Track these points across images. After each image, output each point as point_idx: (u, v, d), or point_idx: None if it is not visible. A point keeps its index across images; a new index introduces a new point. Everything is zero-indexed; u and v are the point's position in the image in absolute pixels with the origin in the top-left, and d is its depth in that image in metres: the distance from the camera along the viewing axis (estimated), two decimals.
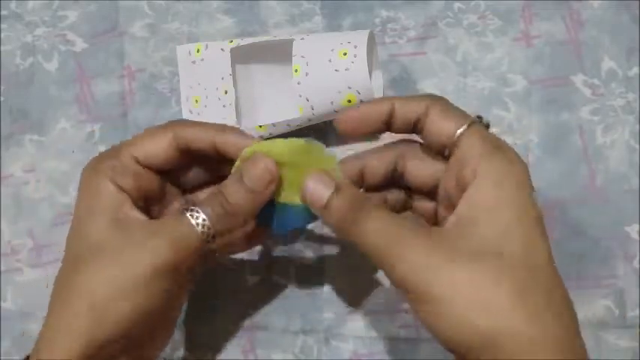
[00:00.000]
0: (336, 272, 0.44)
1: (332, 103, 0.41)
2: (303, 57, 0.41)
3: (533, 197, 0.31)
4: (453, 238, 0.30)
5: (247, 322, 0.44)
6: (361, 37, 0.41)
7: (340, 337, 0.44)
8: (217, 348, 0.44)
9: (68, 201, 0.46)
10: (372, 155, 0.37)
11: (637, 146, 0.45)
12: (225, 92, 0.44)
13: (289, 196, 0.35)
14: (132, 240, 0.33)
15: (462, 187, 0.31)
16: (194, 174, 0.38)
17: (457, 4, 0.47)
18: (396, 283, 0.31)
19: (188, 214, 0.33)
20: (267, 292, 0.45)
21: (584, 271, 0.44)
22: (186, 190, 0.39)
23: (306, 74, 0.41)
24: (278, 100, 0.46)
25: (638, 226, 0.44)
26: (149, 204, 0.36)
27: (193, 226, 0.33)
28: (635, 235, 0.44)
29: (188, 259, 0.33)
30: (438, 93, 0.46)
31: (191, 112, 0.46)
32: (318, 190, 0.33)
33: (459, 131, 0.32)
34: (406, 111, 0.34)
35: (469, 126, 0.32)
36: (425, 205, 0.37)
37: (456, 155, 0.32)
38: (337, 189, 0.33)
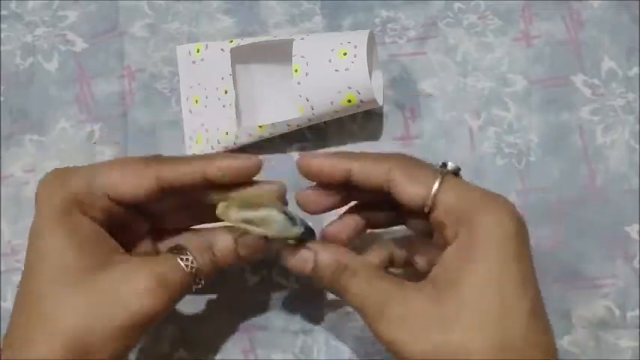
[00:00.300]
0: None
1: (332, 103, 0.41)
2: (303, 57, 0.41)
3: (521, 250, 0.31)
4: (429, 307, 0.31)
5: (247, 322, 0.44)
6: (361, 37, 0.41)
7: (340, 337, 0.44)
8: (217, 348, 0.44)
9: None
10: (360, 164, 0.34)
11: (637, 146, 0.45)
12: (225, 92, 0.44)
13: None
14: (120, 280, 0.32)
15: (444, 242, 0.32)
16: (164, 205, 0.37)
17: (457, 4, 0.47)
18: (382, 343, 0.33)
19: (178, 258, 0.34)
20: (267, 292, 0.45)
21: (584, 271, 0.44)
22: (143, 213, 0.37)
23: (306, 74, 0.41)
24: (278, 100, 0.46)
25: (638, 226, 0.44)
26: (115, 232, 0.35)
27: (184, 269, 0.34)
28: (635, 235, 0.44)
29: (174, 297, 0.34)
30: (437, 93, 0.46)
31: (191, 111, 0.46)
32: (299, 266, 0.35)
33: (432, 192, 0.31)
34: (365, 175, 0.33)
35: (441, 183, 0.32)
36: (416, 221, 0.36)
37: (434, 214, 0.32)
38: (316, 259, 0.34)
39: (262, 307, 0.44)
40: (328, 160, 0.34)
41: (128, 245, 0.36)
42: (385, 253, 0.37)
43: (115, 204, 0.34)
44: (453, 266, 0.31)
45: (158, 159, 0.35)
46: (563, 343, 0.43)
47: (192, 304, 0.45)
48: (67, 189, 0.33)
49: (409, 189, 0.32)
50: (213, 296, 0.45)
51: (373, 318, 0.32)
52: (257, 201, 0.34)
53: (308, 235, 0.35)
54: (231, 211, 0.33)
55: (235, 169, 0.34)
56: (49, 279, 0.32)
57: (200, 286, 0.35)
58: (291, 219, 0.34)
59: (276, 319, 0.44)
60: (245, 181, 0.35)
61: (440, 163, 0.34)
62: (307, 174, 0.35)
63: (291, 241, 0.35)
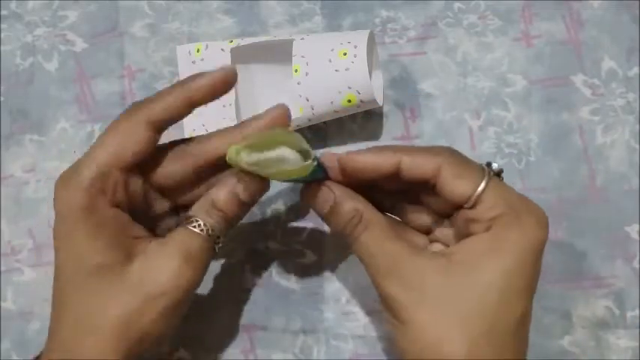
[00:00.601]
0: (336, 272, 0.44)
1: (332, 103, 0.41)
2: (303, 57, 0.41)
3: (539, 262, 0.32)
4: (438, 277, 0.32)
5: (247, 322, 0.44)
6: (361, 37, 0.41)
7: (340, 337, 0.44)
8: (217, 348, 0.44)
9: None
10: (409, 156, 0.34)
11: (637, 146, 0.45)
12: None
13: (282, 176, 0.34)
14: (150, 267, 0.33)
15: (468, 231, 0.33)
16: (170, 172, 0.37)
17: (457, 4, 0.47)
18: (381, 296, 0.33)
19: (190, 227, 0.34)
20: (267, 292, 0.45)
21: (584, 271, 0.44)
22: (164, 193, 0.37)
23: (306, 74, 0.41)
24: (278, 100, 0.46)
25: (638, 226, 0.44)
26: (139, 214, 0.36)
27: (200, 235, 0.34)
28: (635, 235, 0.44)
29: (203, 264, 0.35)
30: (437, 93, 0.46)
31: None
32: (318, 202, 0.35)
33: (478, 190, 0.32)
34: (415, 169, 0.33)
35: (488, 183, 0.32)
36: (434, 200, 0.36)
37: (474, 210, 0.33)
38: (338, 200, 0.34)
39: (262, 307, 0.44)
40: (376, 155, 0.34)
41: (153, 224, 0.37)
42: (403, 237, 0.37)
43: (130, 174, 0.34)
44: (476, 252, 0.32)
45: (139, 105, 0.34)
46: (563, 343, 0.43)
47: (192, 304, 0.45)
48: (82, 183, 0.33)
49: (457, 186, 0.32)
50: (213, 296, 0.45)
51: (379, 272, 0.33)
52: (270, 140, 0.32)
53: (320, 173, 0.34)
54: (242, 155, 0.32)
55: (213, 82, 0.34)
56: (83, 279, 0.33)
57: (221, 244, 0.36)
58: (306, 156, 0.33)
59: (276, 319, 0.44)
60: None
61: (485, 163, 0.34)
62: (351, 170, 0.34)
63: (300, 185, 0.35)
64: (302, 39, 0.42)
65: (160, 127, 0.35)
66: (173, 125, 0.47)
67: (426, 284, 0.32)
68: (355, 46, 0.40)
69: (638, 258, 0.44)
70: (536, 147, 0.45)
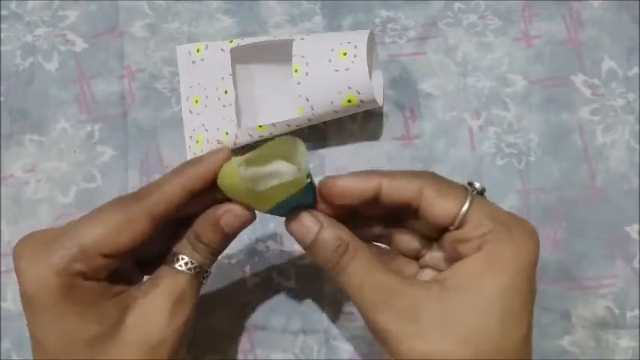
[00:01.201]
0: None
1: (332, 103, 0.41)
2: (303, 57, 0.41)
3: (533, 278, 0.31)
4: (433, 305, 0.31)
5: (247, 322, 0.44)
6: (361, 37, 0.41)
7: (340, 337, 0.44)
8: (217, 348, 0.44)
9: (68, 201, 0.46)
10: (390, 181, 0.33)
11: (637, 146, 0.45)
12: (225, 92, 0.44)
13: (271, 202, 0.33)
14: (143, 321, 0.33)
15: (459, 254, 0.32)
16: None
17: (457, 4, 0.47)
18: (374, 332, 0.32)
19: (176, 266, 0.34)
20: (267, 292, 0.45)
21: (584, 271, 0.44)
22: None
23: (306, 74, 0.41)
24: (278, 100, 0.46)
25: (638, 226, 0.44)
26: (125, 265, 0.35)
27: (186, 273, 0.34)
28: (635, 235, 0.44)
29: (192, 303, 0.34)
30: (437, 93, 0.46)
31: (191, 111, 0.46)
32: (302, 231, 0.33)
33: (463, 209, 0.31)
34: (396, 193, 0.32)
35: (472, 202, 0.31)
36: (420, 224, 0.35)
37: (460, 231, 0.32)
38: (320, 230, 0.33)
39: (262, 307, 0.44)
40: (356, 179, 0.33)
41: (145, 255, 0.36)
42: (394, 266, 0.36)
43: (110, 258, 0.32)
44: (470, 274, 0.31)
45: (137, 197, 0.33)
46: (563, 343, 0.43)
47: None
48: (56, 265, 0.31)
49: (441, 206, 0.32)
50: (214, 296, 0.45)
51: (369, 305, 0.32)
52: (270, 153, 0.31)
53: (310, 195, 0.33)
54: (240, 169, 0.31)
55: (212, 169, 0.33)
56: (80, 351, 0.31)
57: (208, 276, 0.36)
58: (303, 171, 0.31)
59: (276, 319, 0.44)
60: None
61: (466, 183, 0.34)
62: (330, 195, 0.33)
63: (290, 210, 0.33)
64: (302, 39, 0.42)
65: (160, 218, 0.33)
66: (172, 124, 0.47)
67: (421, 314, 0.31)
68: (355, 46, 0.40)
69: (638, 258, 0.44)
70: (537, 147, 0.45)
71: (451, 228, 0.32)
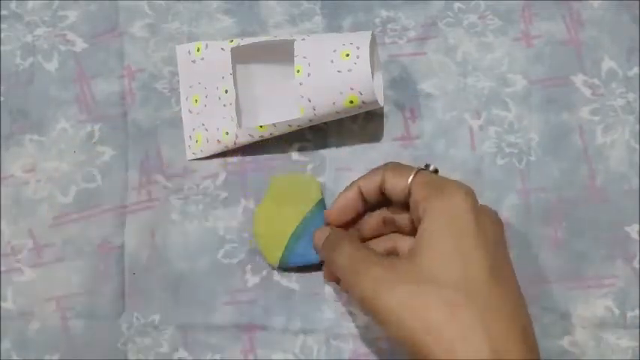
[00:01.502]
0: None
1: (334, 103, 0.41)
2: (305, 58, 0.41)
3: (481, 220, 0.35)
4: (402, 267, 0.35)
5: (247, 322, 0.44)
6: (363, 38, 0.41)
7: (340, 337, 0.44)
8: (217, 348, 0.44)
9: (68, 201, 0.46)
10: (363, 179, 0.40)
11: (637, 146, 0.45)
12: (226, 92, 0.44)
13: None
14: None
15: (417, 223, 0.36)
16: None
17: (457, 4, 0.47)
18: (355, 298, 0.36)
19: None
20: (268, 292, 0.45)
21: (584, 271, 0.44)
22: None
23: (308, 75, 0.41)
24: (279, 100, 0.46)
25: (638, 226, 0.44)
26: None
27: None
28: (635, 235, 0.44)
29: None
30: (437, 93, 0.46)
31: (191, 111, 0.46)
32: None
33: (408, 181, 0.37)
34: (370, 186, 0.40)
35: (415, 175, 0.37)
36: (404, 218, 0.40)
37: (410, 200, 0.37)
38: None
39: (262, 307, 0.44)
40: (340, 197, 0.41)
41: None
42: (390, 243, 0.41)
43: None
44: (424, 236, 0.35)
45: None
46: (563, 343, 0.43)
47: (192, 304, 0.45)
48: None
49: (394, 182, 0.38)
50: (214, 296, 0.45)
51: (351, 276, 0.36)
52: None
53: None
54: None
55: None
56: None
57: None
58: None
59: (276, 319, 0.44)
60: None
61: (424, 165, 0.39)
62: (336, 219, 0.42)
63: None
64: (303, 39, 0.42)
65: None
66: (172, 124, 0.47)
67: (394, 273, 0.35)
68: (358, 48, 0.40)
69: (638, 258, 0.44)
70: (537, 147, 0.45)
71: (405, 198, 0.38)
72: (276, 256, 0.43)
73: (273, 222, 0.44)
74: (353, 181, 0.41)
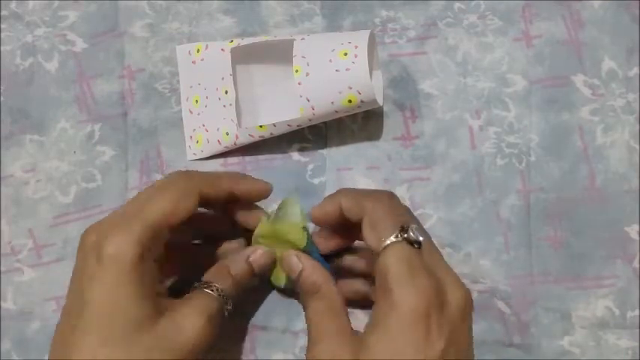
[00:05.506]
0: (336, 272, 0.44)
1: (333, 103, 0.41)
2: (303, 57, 0.41)
3: (431, 329, 0.32)
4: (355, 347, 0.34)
5: (248, 322, 0.44)
6: (362, 37, 0.41)
7: None
8: (217, 348, 0.44)
9: (68, 201, 0.46)
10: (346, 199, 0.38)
11: (637, 146, 0.45)
12: (226, 92, 0.44)
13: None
14: (177, 323, 0.35)
15: (379, 292, 0.34)
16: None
17: (457, 4, 0.47)
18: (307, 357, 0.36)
19: (209, 290, 0.37)
20: (267, 292, 0.45)
21: (584, 271, 0.44)
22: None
23: (307, 74, 0.41)
24: (278, 100, 0.46)
25: (638, 226, 0.44)
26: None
27: (217, 298, 0.37)
28: (635, 235, 0.44)
29: (218, 326, 0.37)
30: (437, 93, 0.46)
31: (191, 112, 0.46)
32: (290, 267, 0.39)
33: (382, 245, 0.34)
34: (350, 212, 0.37)
35: (391, 244, 0.34)
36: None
37: (378, 263, 0.34)
38: (302, 274, 0.38)
39: (262, 307, 0.44)
40: (320, 206, 0.39)
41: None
42: (363, 290, 0.41)
43: (171, 233, 0.36)
44: (372, 331, 0.33)
45: (193, 175, 0.38)
46: (563, 343, 0.43)
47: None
48: (134, 234, 0.34)
49: (366, 235, 0.36)
50: None
51: (312, 338, 0.36)
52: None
53: (313, 247, 0.40)
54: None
55: (253, 191, 0.40)
56: (115, 331, 0.33)
57: (230, 308, 0.39)
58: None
59: (276, 319, 0.44)
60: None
61: (406, 226, 0.35)
62: (318, 221, 0.40)
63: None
64: (302, 39, 0.42)
65: (203, 201, 0.37)
66: (172, 124, 0.47)
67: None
68: (356, 47, 0.40)
69: (638, 258, 0.44)
70: (537, 147, 0.45)
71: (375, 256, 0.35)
72: (281, 277, 0.41)
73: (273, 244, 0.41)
74: (335, 195, 0.39)
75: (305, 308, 0.38)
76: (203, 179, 0.38)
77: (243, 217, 0.41)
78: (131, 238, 0.34)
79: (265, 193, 0.41)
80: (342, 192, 0.38)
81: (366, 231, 0.35)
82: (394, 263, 0.33)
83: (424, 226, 0.38)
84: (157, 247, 0.35)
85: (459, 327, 0.33)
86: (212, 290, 0.37)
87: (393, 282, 0.33)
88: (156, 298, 0.35)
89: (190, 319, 0.35)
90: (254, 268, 0.40)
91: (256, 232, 0.40)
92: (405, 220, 0.35)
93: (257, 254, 0.40)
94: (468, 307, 0.34)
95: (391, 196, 0.37)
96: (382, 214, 0.35)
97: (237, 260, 0.40)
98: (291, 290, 0.42)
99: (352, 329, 0.36)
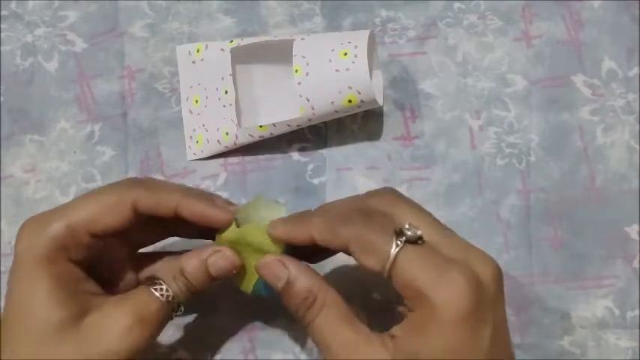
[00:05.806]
0: (336, 272, 0.44)
1: (332, 103, 0.41)
2: (303, 57, 0.41)
3: (478, 326, 0.31)
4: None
5: (247, 322, 0.44)
6: (362, 37, 0.41)
7: None
8: (217, 348, 0.44)
9: (68, 201, 0.46)
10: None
11: (637, 146, 0.45)
12: (226, 92, 0.44)
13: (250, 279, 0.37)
14: (100, 324, 0.33)
15: (404, 306, 0.32)
16: (140, 232, 0.38)
17: (457, 4, 0.47)
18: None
19: (152, 289, 0.35)
20: (267, 292, 0.45)
21: (584, 271, 0.44)
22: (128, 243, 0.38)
23: (307, 74, 0.41)
24: (278, 100, 0.46)
25: (638, 226, 0.44)
26: (95, 265, 0.36)
27: (159, 299, 0.35)
28: (635, 235, 0.44)
29: (154, 329, 0.35)
30: (437, 93, 0.46)
31: (191, 112, 0.46)
32: (271, 279, 0.35)
33: (387, 266, 0.31)
34: (326, 244, 0.33)
35: (395, 258, 0.31)
36: None
37: (396, 282, 0.31)
38: (292, 279, 0.34)
39: (262, 307, 0.44)
40: (291, 225, 0.34)
41: (110, 275, 0.37)
42: None
43: (96, 239, 0.35)
44: (412, 335, 0.31)
45: (132, 184, 0.36)
46: (563, 343, 0.43)
47: (192, 304, 0.45)
48: (47, 235, 0.33)
49: (365, 263, 0.32)
50: (214, 296, 0.45)
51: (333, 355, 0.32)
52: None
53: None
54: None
55: (205, 217, 0.35)
56: (32, 335, 0.32)
57: (180, 313, 0.36)
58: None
59: (276, 319, 0.44)
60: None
61: (398, 229, 0.32)
62: (278, 235, 0.35)
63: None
64: (302, 39, 0.42)
65: (143, 214, 0.35)
66: (172, 124, 0.47)
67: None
68: (356, 46, 0.40)
69: (638, 258, 0.44)
70: (537, 147, 0.45)
71: (386, 278, 0.32)
72: (249, 284, 0.37)
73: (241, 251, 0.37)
74: (303, 221, 0.34)
75: (307, 325, 0.34)
76: (146, 191, 0.35)
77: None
78: (44, 233, 0.33)
79: (219, 224, 0.36)
80: (313, 222, 0.33)
81: (362, 259, 0.32)
82: (415, 272, 0.31)
83: None
84: (78, 249, 0.34)
85: (498, 303, 0.32)
86: (157, 290, 0.35)
87: (423, 288, 0.30)
88: (80, 297, 0.34)
89: (115, 319, 0.33)
90: (211, 271, 0.35)
91: (223, 234, 0.36)
92: (393, 223, 0.32)
93: (217, 256, 0.35)
94: (500, 278, 0.32)
95: (365, 210, 0.33)
96: (367, 234, 0.32)
97: (192, 260, 0.36)
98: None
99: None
